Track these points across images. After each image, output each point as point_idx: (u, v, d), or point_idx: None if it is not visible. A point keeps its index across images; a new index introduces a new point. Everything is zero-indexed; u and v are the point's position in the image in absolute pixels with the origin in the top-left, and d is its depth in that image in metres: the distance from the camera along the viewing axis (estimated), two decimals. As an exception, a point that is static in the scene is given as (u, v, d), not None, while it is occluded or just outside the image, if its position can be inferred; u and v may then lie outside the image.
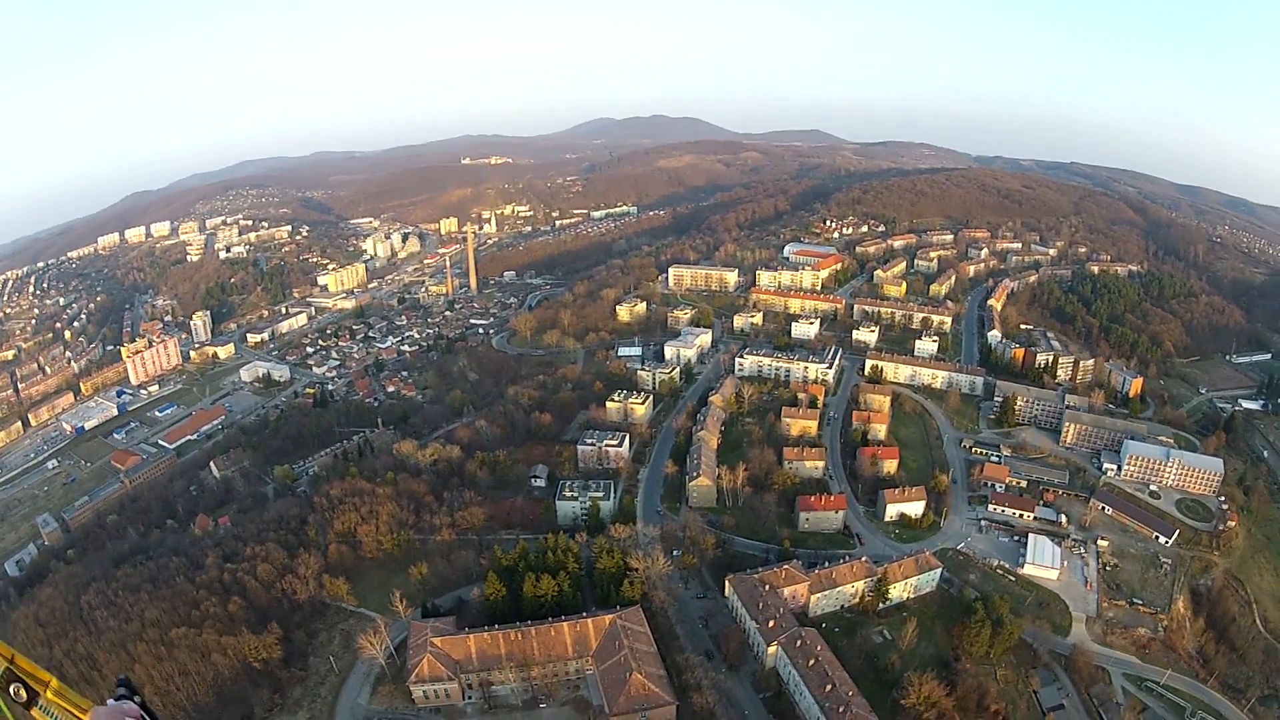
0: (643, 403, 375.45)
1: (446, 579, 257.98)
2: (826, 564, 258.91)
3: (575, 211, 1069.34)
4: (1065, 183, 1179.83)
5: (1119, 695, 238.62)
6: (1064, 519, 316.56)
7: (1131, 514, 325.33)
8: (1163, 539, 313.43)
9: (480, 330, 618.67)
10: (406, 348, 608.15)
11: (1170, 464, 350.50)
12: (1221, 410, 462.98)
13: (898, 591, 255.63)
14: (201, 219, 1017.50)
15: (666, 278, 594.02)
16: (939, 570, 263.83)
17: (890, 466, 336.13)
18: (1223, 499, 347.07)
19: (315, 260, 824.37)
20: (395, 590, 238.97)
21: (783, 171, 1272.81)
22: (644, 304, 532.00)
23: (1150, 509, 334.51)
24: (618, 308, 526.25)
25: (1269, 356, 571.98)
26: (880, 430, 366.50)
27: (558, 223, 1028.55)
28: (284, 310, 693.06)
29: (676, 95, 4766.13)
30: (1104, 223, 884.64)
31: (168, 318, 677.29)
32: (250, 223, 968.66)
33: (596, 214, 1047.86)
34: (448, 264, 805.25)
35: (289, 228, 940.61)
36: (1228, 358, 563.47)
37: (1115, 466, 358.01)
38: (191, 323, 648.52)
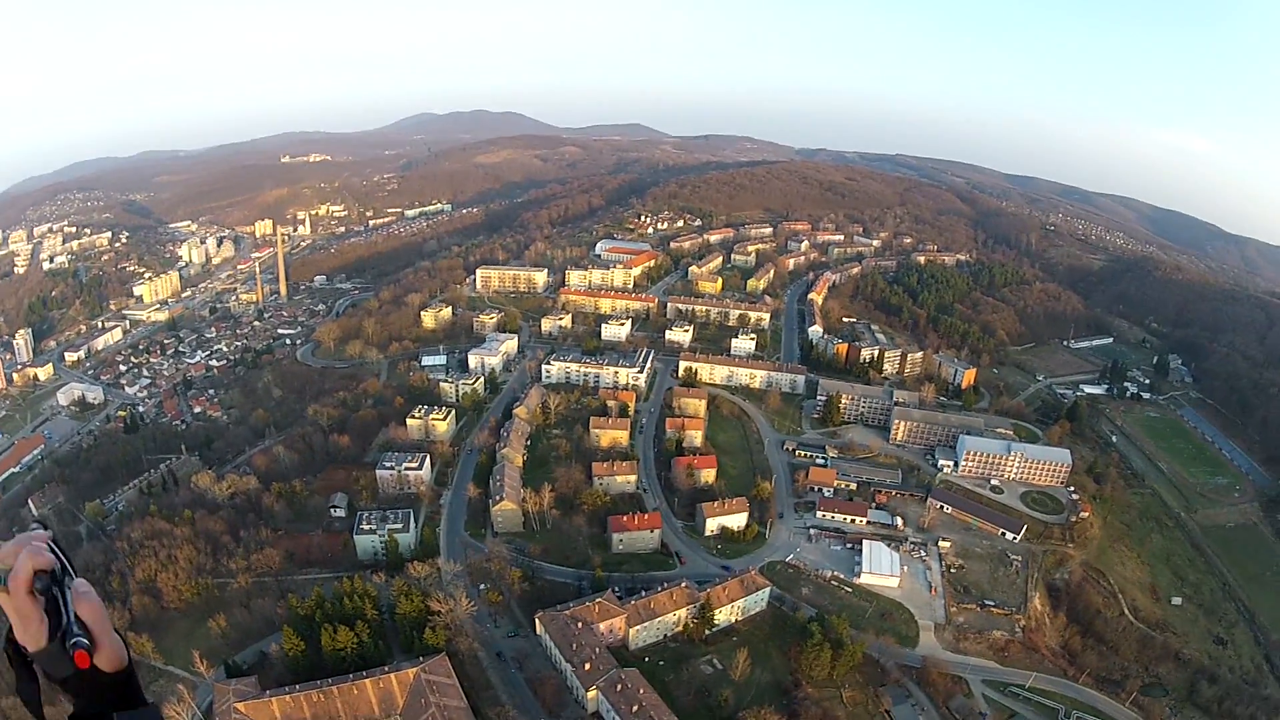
0: (444, 418, 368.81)
1: (248, 630, 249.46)
2: (644, 592, 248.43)
3: (389, 211, 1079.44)
4: (890, 174, 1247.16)
5: (982, 705, 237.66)
6: (900, 521, 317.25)
7: (974, 512, 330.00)
8: (1010, 535, 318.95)
9: (287, 341, 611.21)
10: (215, 362, 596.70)
11: (1012, 457, 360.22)
12: (1062, 397, 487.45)
13: (725, 615, 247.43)
14: (30, 226, 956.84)
15: (474, 280, 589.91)
16: (767, 589, 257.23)
17: (708, 476, 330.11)
18: (1072, 490, 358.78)
19: (132, 269, 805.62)
20: (195, 650, 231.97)
21: (600, 166, 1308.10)
22: (450, 309, 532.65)
23: (994, 505, 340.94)
24: (423, 314, 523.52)
25: (1110, 341, 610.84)
26: (696, 437, 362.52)
27: (371, 223, 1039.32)
28: (100, 325, 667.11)
29: (500, 90, 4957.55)
30: (930, 213, 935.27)
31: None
32: (74, 229, 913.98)
33: (410, 213, 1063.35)
34: (257, 270, 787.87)
35: (109, 234, 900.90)
36: (1066, 343, 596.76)
37: (952, 463, 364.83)
38: (14, 342, 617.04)
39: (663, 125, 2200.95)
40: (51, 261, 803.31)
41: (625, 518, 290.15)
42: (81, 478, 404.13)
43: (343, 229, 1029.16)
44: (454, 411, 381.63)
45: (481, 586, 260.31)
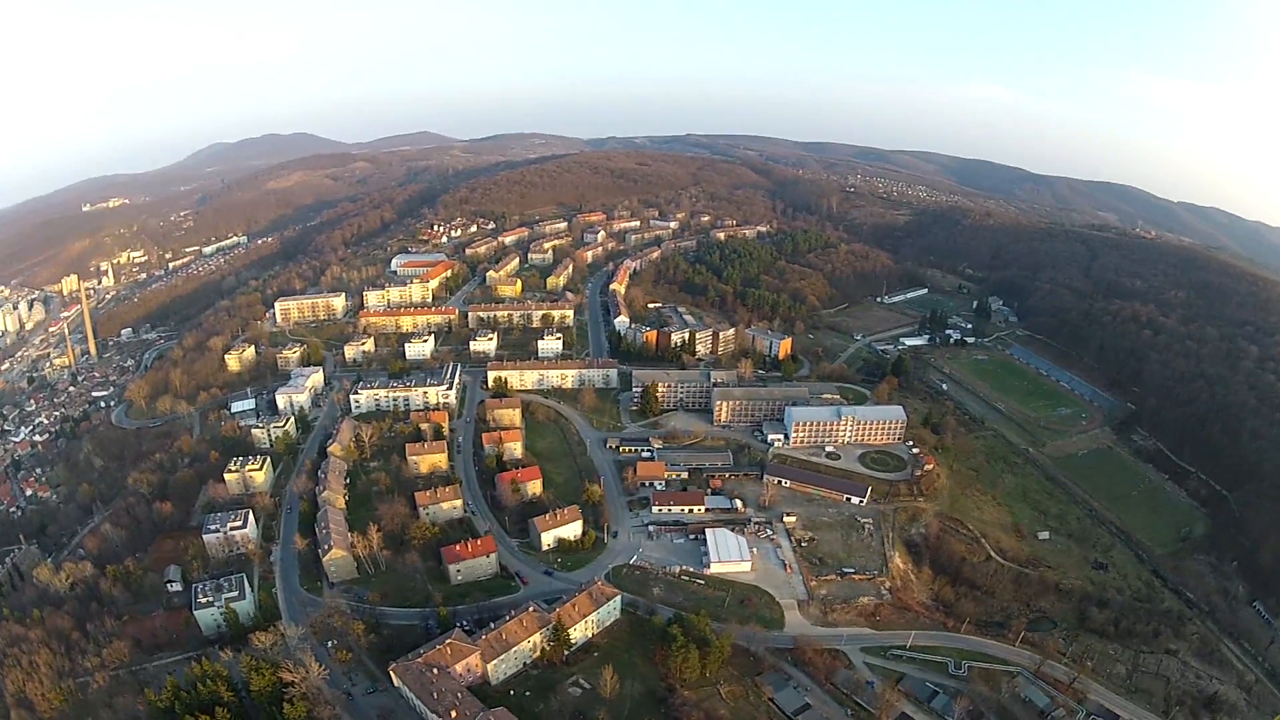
0: (260, 468, 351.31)
1: None
2: (493, 624, 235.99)
3: (187, 250, 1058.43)
4: (682, 155, 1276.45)
5: (866, 674, 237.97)
6: (740, 503, 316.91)
7: (813, 482, 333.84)
8: (856, 500, 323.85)
9: (102, 404, 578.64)
10: (39, 437, 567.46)
11: (843, 422, 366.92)
12: (884, 353, 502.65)
13: (580, 632, 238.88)
14: None
15: (274, 314, 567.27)
16: (618, 597, 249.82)
17: (534, 488, 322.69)
18: (912, 444, 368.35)
19: None
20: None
21: (390, 179, 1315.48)
22: (253, 348, 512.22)
23: (833, 472, 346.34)
24: (226, 357, 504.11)
25: (925, 292, 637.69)
26: (516, 448, 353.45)
27: (171, 265, 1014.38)
28: None
29: (290, 111, 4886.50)
30: (726, 188, 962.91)
31: None
32: None
33: (208, 250, 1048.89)
34: (66, 331, 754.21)
35: None
36: (879, 300, 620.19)
37: (782, 436, 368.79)
38: None
39: (452, 130, 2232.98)
40: None
41: (458, 547, 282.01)
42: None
43: (144, 275, 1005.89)
44: (269, 459, 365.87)
45: (329, 644, 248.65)
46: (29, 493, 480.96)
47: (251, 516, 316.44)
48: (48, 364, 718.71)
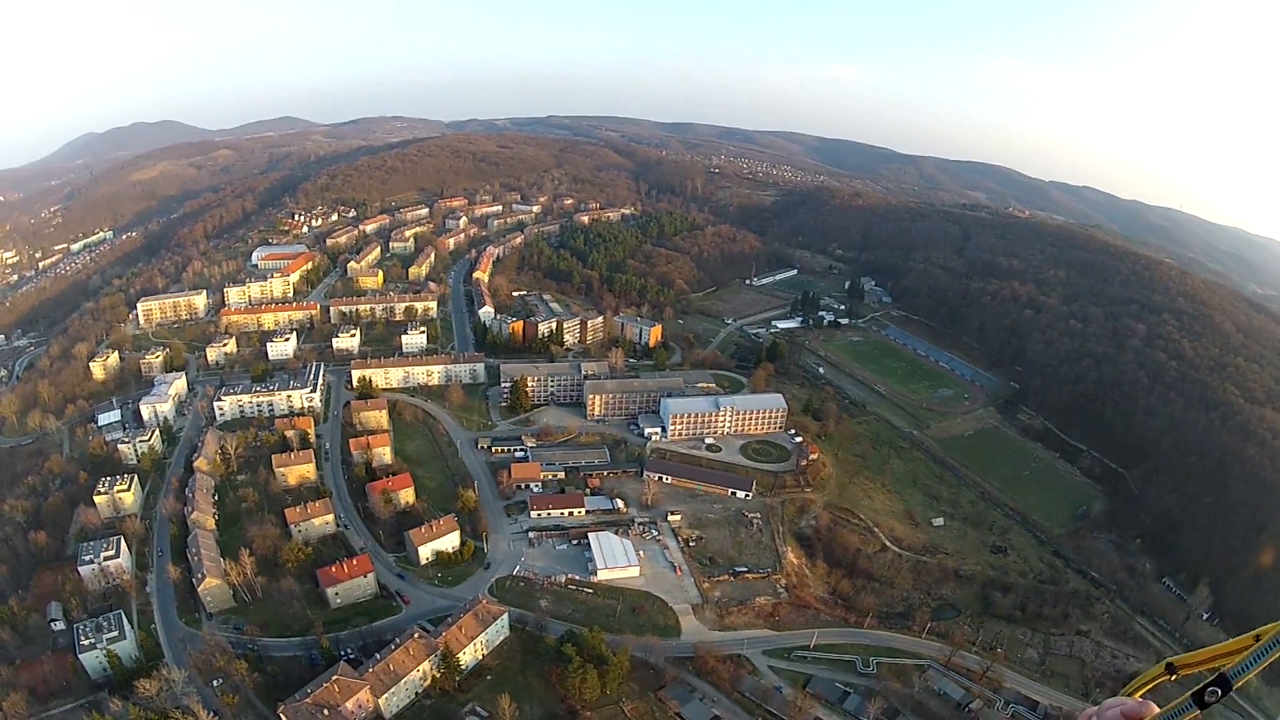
0: (128, 488, 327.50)
1: None
2: (378, 655, 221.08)
3: (56, 248, 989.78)
4: (544, 137, 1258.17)
5: (773, 679, 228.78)
6: (621, 503, 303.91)
7: (696, 477, 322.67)
8: (741, 494, 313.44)
9: None
10: None
11: (722, 413, 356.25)
12: (756, 337, 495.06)
13: (470, 655, 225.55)
14: None
15: (137, 315, 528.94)
16: (505, 615, 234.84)
17: (407, 496, 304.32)
18: (794, 433, 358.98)
19: None
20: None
21: (253, 166, 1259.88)
22: (117, 354, 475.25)
23: (716, 466, 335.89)
24: (91, 364, 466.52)
25: (794, 273, 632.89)
26: (385, 453, 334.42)
27: (41, 264, 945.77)
28: None
29: (156, 99, 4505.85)
30: (589, 171, 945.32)
31: None
32: None
33: (75, 247, 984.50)
34: None
35: None
36: (748, 282, 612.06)
37: (659, 430, 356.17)
38: None
39: (314, 115, 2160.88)
40: None
41: (334, 568, 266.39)
42: None
43: (15, 276, 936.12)
44: (136, 478, 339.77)
45: (215, 684, 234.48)
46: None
47: (124, 544, 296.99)
48: None
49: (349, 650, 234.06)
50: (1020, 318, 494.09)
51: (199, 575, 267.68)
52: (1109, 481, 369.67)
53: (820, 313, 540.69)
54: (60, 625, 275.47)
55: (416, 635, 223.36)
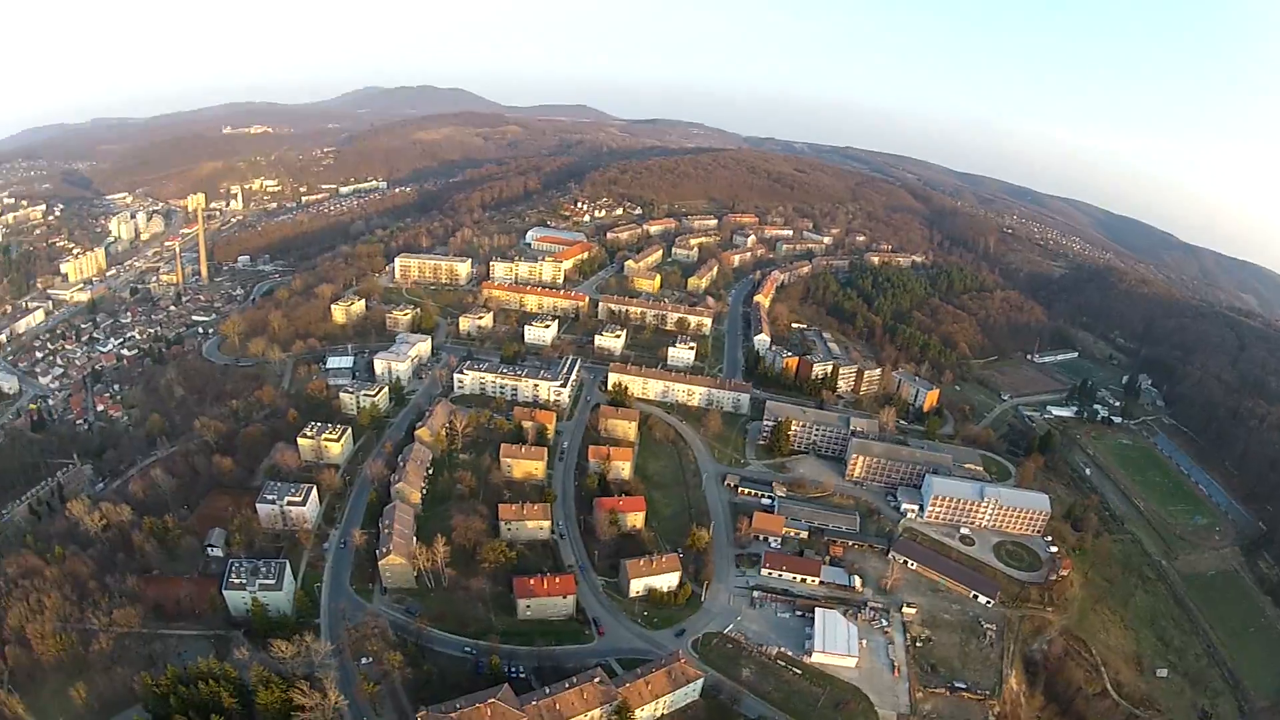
0: (339, 438, 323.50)
1: (109, 701, 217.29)
2: (548, 689, 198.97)
3: (324, 187, 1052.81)
4: (841, 167, 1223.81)
5: None
6: (859, 581, 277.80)
7: (943, 570, 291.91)
8: (983, 599, 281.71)
9: (199, 331, 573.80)
10: (127, 352, 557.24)
11: (985, 503, 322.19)
12: (1029, 420, 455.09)
13: (649, 712, 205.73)
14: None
15: (393, 269, 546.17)
16: (700, 680, 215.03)
17: (635, 520, 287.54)
18: (1050, 540, 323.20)
19: (63, 244, 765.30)
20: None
21: (541, 147, 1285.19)
22: (364, 302, 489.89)
23: (965, 560, 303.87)
24: (333, 307, 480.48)
25: (1075, 355, 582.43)
26: (624, 468, 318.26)
27: (305, 199, 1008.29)
28: (25, 305, 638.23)
29: (450, 67, 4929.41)
30: (883, 210, 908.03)
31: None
32: (12, 201, 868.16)
33: (344, 190, 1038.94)
34: (178, 249, 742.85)
35: (44, 207, 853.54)
36: (1030, 357, 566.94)
37: (917, 507, 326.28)
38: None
39: (610, 108, 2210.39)
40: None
41: (533, 580, 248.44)
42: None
43: (275, 205, 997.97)
44: (350, 430, 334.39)
45: (364, 660, 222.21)
46: (100, 409, 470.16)
47: (315, 494, 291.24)
48: (154, 278, 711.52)
49: (520, 669, 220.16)
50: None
51: (384, 549, 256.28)
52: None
53: (1095, 405, 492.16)
54: (217, 553, 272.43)
55: (597, 679, 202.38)
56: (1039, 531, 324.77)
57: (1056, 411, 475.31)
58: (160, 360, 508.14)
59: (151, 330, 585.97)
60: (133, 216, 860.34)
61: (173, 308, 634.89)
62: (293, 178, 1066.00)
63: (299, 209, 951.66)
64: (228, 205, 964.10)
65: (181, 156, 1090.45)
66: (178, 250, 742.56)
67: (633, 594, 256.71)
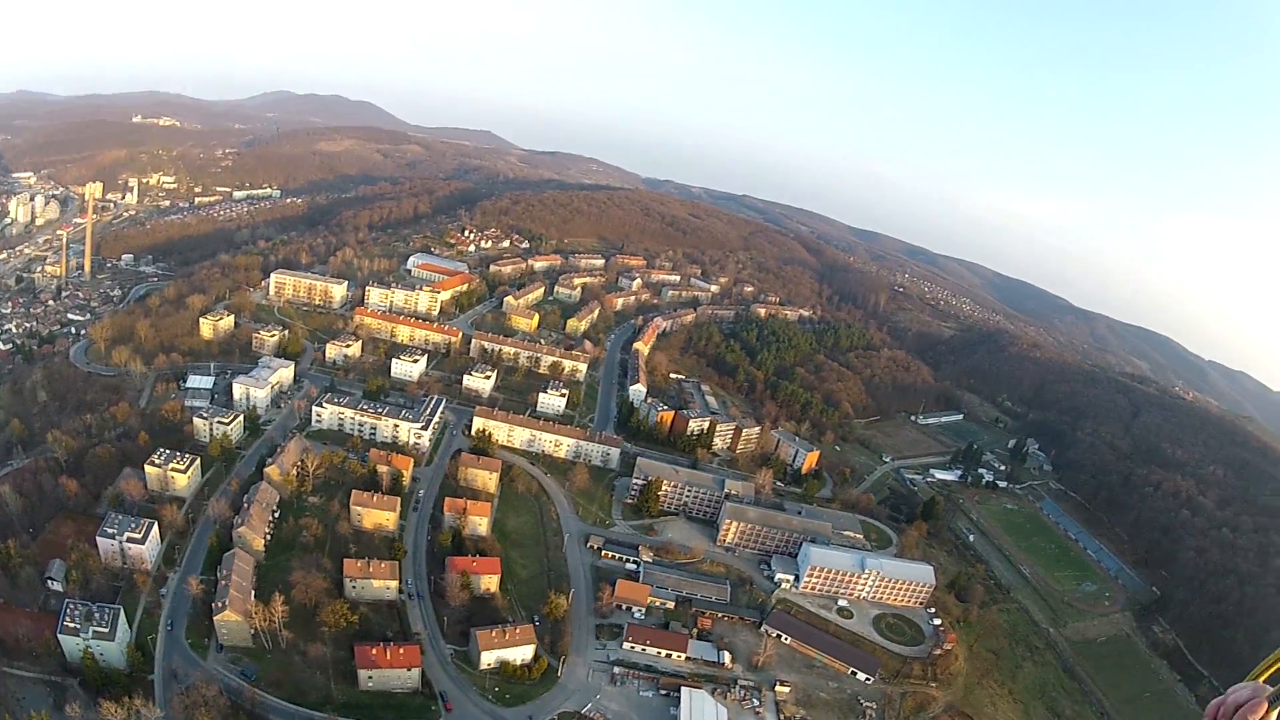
0: (186, 469, 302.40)
1: None
2: None
3: (219, 189, 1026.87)
4: (735, 215, 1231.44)
5: None
6: (728, 657, 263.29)
7: (820, 645, 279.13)
8: (863, 675, 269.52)
9: (72, 331, 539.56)
10: (2, 345, 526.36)
11: (866, 575, 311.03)
12: (912, 484, 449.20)
13: None
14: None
15: (268, 284, 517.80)
16: None
17: (490, 584, 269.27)
18: (934, 612, 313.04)
19: None
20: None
21: (439, 169, 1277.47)
22: (233, 318, 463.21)
23: (843, 635, 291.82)
24: (202, 321, 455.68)
25: (960, 417, 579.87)
26: (481, 524, 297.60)
27: (198, 200, 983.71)
28: None
29: (360, 77, 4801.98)
30: (775, 261, 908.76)
31: None
32: None
33: (238, 194, 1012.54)
34: (65, 240, 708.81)
35: None
36: (914, 419, 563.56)
37: (792, 577, 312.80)
38: None
39: (514, 136, 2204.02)
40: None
41: (375, 650, 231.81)
42: None
43: (169, 203, 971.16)
44: (200, 460, 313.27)
45: None
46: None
47: (156, 531, 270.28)
48: (40, 268, 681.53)
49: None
50: (1176, 517, 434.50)
51: (220, 602, 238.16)
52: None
53: (980, 469, 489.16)
54: (58, 587, 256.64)
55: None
56: (922, 603, 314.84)
57: (940, 475, 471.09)
58: (30, 359, 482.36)
59: (28, 325, 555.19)
60: (32, 199, 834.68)
61: (51, 302, 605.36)
62: (191, 176, 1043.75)
63: (190, 210, 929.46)
64: (123, 198, 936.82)
65: (89, 141, 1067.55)
66: (65, 241, 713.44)
67: (484, 666, 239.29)
